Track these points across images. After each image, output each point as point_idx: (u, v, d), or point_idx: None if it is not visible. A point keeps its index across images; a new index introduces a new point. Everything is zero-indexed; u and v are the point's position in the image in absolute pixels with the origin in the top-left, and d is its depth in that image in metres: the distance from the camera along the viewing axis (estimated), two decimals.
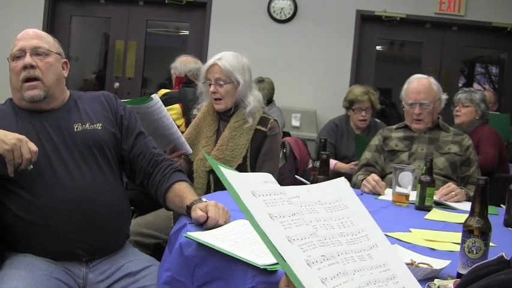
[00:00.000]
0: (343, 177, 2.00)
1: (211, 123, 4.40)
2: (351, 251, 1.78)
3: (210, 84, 4.32)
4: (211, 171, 4.19)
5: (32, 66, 3.05)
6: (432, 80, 4.86)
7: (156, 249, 4.01)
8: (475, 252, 2.29)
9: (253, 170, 4.29)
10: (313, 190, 1.92)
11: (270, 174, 1.85)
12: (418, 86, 4.77)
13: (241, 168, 4.21)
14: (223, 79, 4.27)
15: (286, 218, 1.69)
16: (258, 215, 1.63)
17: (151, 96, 3.87)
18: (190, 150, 4.20)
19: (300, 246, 1.64)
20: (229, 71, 4.26)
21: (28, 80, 3.05)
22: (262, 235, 1.59)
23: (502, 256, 1.36)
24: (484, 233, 2.31)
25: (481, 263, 1.41)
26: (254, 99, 4.36)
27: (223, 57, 4.33)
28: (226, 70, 4.26)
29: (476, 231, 2.31)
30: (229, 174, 1.71)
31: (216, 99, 4.32)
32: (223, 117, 4.42)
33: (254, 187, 1.72)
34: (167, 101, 5.67)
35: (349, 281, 1.66)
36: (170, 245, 2.66)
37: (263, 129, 4.33)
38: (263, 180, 1.80)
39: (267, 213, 1.67)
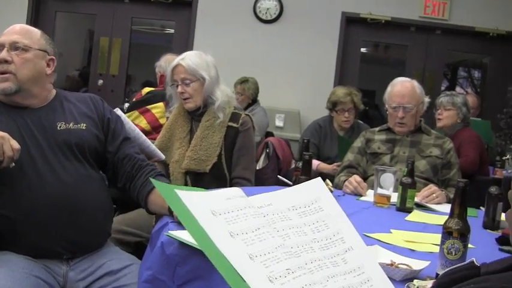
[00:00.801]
0: (319, 178, 2.01)
1: (183, 124, 4.42)
2: (324, 257, 1.78)
3: (177, 86, 4.33)
4: (188, 173, 4.22)
5: (6, 61, 3.05)
6: (415, 83, 4.89)
7: (137, 248, 4.00)
8: (453, 254, 2.32)
9: (229, 167, 4.31)
10: (288, 194, 1.93)
11: (239, 188, 1.86)
12: (402, 89, 4.79)
13: (217, 167, 4.24)
14: (189, 78, 4.28)
15: (249, 234, 1.70)
16: (216, 236, 1.63)
17: (113, 110, 3.88)
18: (162, 157, 4.20)
19: (263, 262, 1.65)
20: (193, 69, 4.27)
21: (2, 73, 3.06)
22: (217, 259, 1.60)
23: (473, 262, 1.39)
24: (463, 234, 2.34)
25: (454, 267, 1.43)
26: (222, 93, 4.36)
27: (186, 56, 4.35)
28: (190, 69, 4.28)
29: (456, 232, 2.34)
30: (185, 197, 1.71)
31: (185, 99, 4.33)
32: (194, 117, 4.42)
33: (214, 206, 1.73)
34: (151, 99, 5.68)
35: None
36: (152, 244, 2.66)
37: (235, 125, 4.34)
38: (226, 197, 1.80)
39: (227, 231, 1.67)
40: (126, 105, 6.23)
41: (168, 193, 1.75)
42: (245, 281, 1.55)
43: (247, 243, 1.66)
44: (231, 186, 4.13)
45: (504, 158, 6.97)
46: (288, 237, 1.77)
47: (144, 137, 4.02)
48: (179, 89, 4.30)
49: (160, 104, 5.65)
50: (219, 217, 1.70)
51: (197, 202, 1.71)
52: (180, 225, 2.64)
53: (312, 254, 1.77)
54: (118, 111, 3.84)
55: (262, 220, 1.76)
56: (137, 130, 3.97)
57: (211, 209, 1.70)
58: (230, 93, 4.54)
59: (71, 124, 3.13)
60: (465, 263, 1.42)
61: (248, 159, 4.41)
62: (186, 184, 4.23)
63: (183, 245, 2.36)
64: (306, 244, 1.78)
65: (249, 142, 4.44)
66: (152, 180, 2.29)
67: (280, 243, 1.73)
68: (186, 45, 10.22)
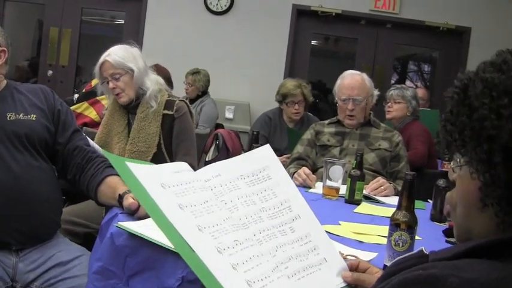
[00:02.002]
0: (268, 145, 2.03)
1: (120, 118, 4.43)
2: (273, 227, 1.80)
3: (107, 82, 4.32)
4: None
5: None
6: (365, 76, 4.93)
7: (86, 239, 3.98)
8: (401, 245, 2.35)
9: (170, 155, 4.34)
10: (236, 163, 1.94)
11: (185, 163, 1.87)
12: (352, 82, 4.82)
13: (157, 157, 4.25)
14: (118, 72, 4.29)
15: (198, 206, 1.71)
16: (166, 208, 1.64)
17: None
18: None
19: (211, 233, 1.66)
20: (120, 63, 4.28)
21: None
22: (167, 229, 1.60)
23: (422, 250, 1.41)
24: (410, 226, 2.37)
25: (403, 256, 1.45)
26: (152, 83, 4.38)
27: (111, 52, 4.35)
28: (117, 63, 4.28)
29: (403, 224, 2.37)
30: (136, 169, 1.71)
31: (117, 94, 4.33)
32: (130, 110, 4.43)
33: (164, 179, 1.73)
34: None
35: (263, 263, 1.69)
36: (101, 235, 2.64)
37: (170, 112, 4.35)
38: (174, 171, 1.81)
39: (176, 204, 1.68)
40: (76, 96, 6.19)
41: (120, 165, 1.75)
42: (194, 252, 1.56)
43: (196, 215, 1.68)
44: None
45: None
46: (236, 209, 1.78)
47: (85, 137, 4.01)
48: (110, 84, 4.30)
49: None
50: (168, 190, 1.70)
51: (147, 174, 1.72)
52: (129, 216, 2.64)
53: (261, 223, 1.79)
54: None
55: (209, 193, 1.77)
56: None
57: (161, 182, 1.71)
58: (161, 81, 4.55)
59: (21, 115, 3.10)
60: (414, 252, 1.44)
61: (188, 144, 4.42)
62: None
63: (132, 236, 2.35)
64: (254, 214, 1.80)
65: (187, 128, 4.45)
66: (103, 151, 2.29)
67: (227, 215, 1.74)
68: (137, 36, 10.15)
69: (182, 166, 1.85)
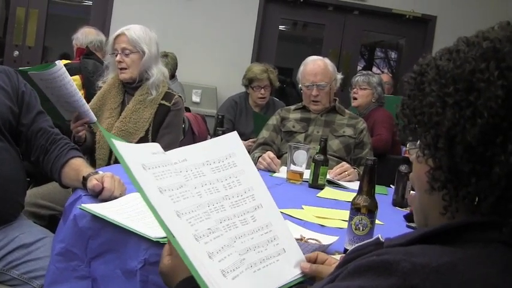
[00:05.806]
0: (235, 132, 2.04)
1: (116, 95, 4.45)
2: (234, 216, 1.81)
3: (116, 55, 4.37)
4: None
5: None
6: (327, 60, 4.99)
7: (51, 221, 3.98)
8: (361, 229, 2.38)
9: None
10: (203, 148, 1.95)
11: (157, 144, 1.87)
12: (315, 67, 4.87)
13: (143, 141, 4.26)
14: (130, 48, 4.35)
15: (175, 191, 1.71)
16: (148, 190, 1.64)
17: (55, 62, 3.82)
18: (94, 118, 4.19)
19: (188, 220, 1.66)
20: (135, 40, 4.35)
21: None
22: (153, 210, 1.61)
23: (378, 238, 1.46)
24: (371, 211, 2.40)
25: (361, 243, 1.49)
26: (158, 71, 4.43)
27: (131, 28, 4.43)
28: (132, 40, 4.35)
29: (364, 209, 2.40)
30: (121, 147, 1.71)
31: (121, 68, 4.37)
32: (128, 90, 4.47)
33: (144, 160, 1.73)
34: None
35: (232, 254, 1.71)
36: (65, 217, 2.64)
37: (167, 103, 4.41)
38: (152, 152, 1.81)
39: (156, 187, 1.68)
40: None
41: (109, 140, 1.74)
42: (175, 237, 1.57)
43: (174, 200, 1.67)
44: None
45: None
46: (199, 196, 1.78)
47: (79, 94, 3.97)
48: (118, 57, 4.36)
49: (77, 77, 5.61)
50: (149, 171, 1.69)
51: (130, 153, 1.71)
52: (93, 198, 2.65)
53: (223, 212, 1.79)
54: (59, 62, 3.78)
55: (181, 179, 1.77)
56: (74, 86, 3.90)
57: (142, 163, 1.70)
58: (166, 74, 4.63)
59: None
60: (371, 239, 1.48)
61: (173, 137, 4.46)
62: (110, 154, 4.25)
63: (95, 218, 2.36)
64: (217, 202, 1.81)
65: (177, 122, 4.53)
66: (97, 124, 2.29)
67: (199, 202, 1.75)
68: (104, 18, 10.11)
69: (157, 148, 1.85)
